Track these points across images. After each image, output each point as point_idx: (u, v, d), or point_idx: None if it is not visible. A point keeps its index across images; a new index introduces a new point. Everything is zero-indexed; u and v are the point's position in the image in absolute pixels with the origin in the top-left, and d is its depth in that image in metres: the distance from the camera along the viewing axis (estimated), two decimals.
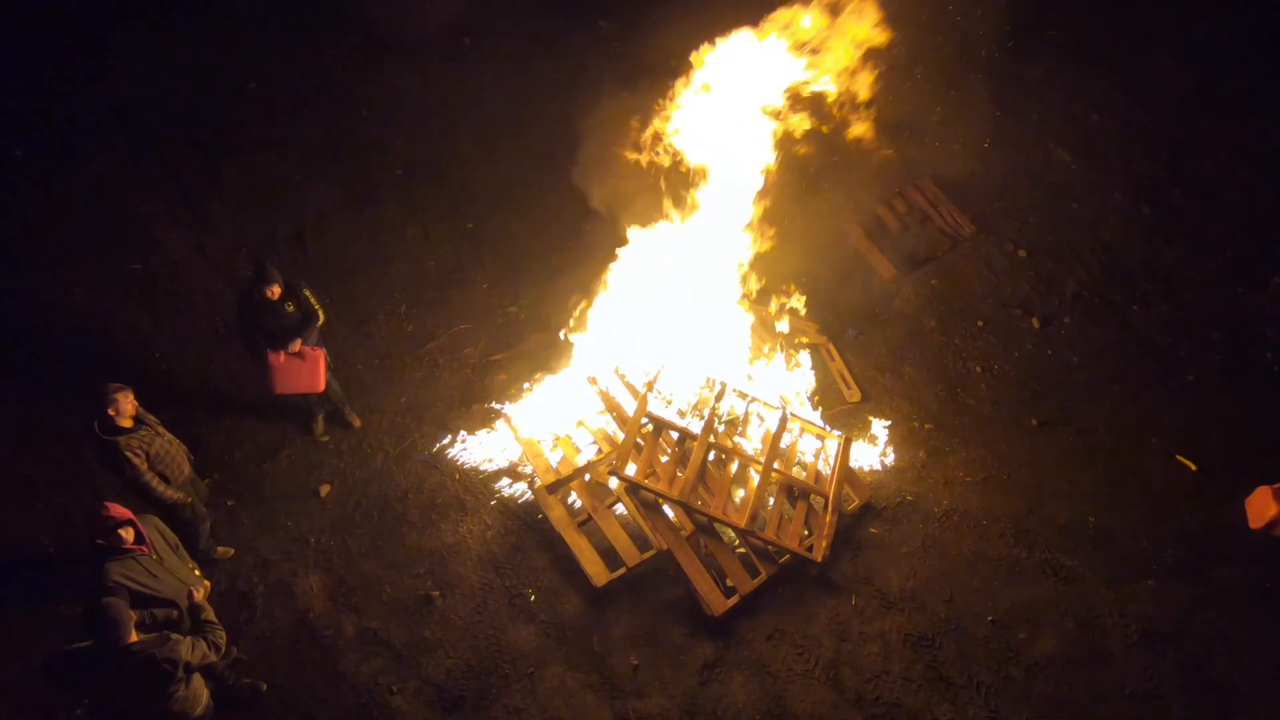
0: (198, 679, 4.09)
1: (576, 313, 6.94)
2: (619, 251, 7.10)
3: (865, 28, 5.82)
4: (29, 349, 6.35)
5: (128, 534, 4.01)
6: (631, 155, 6.66)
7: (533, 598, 5.28)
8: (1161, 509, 5.76)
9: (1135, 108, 8.79)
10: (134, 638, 3.73)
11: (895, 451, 6.31)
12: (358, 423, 6.37)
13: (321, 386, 5.88)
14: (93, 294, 6.80)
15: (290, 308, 5.66)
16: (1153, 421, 6.46)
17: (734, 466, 5.53)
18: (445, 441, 6.36)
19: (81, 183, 7.38)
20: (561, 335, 6.82)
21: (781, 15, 6.03)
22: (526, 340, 7.32)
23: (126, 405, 4.61)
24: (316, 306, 5.78)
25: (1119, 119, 8.75)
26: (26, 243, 6.93)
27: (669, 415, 5.79)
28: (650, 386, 5.67)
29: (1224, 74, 8.60)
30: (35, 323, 6.52)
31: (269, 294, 5.53)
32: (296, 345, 5.73)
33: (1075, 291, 7.54)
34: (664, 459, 5.51)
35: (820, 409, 6.62)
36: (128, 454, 4.58)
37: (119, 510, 4.05)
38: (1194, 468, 6.05)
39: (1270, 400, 6.60)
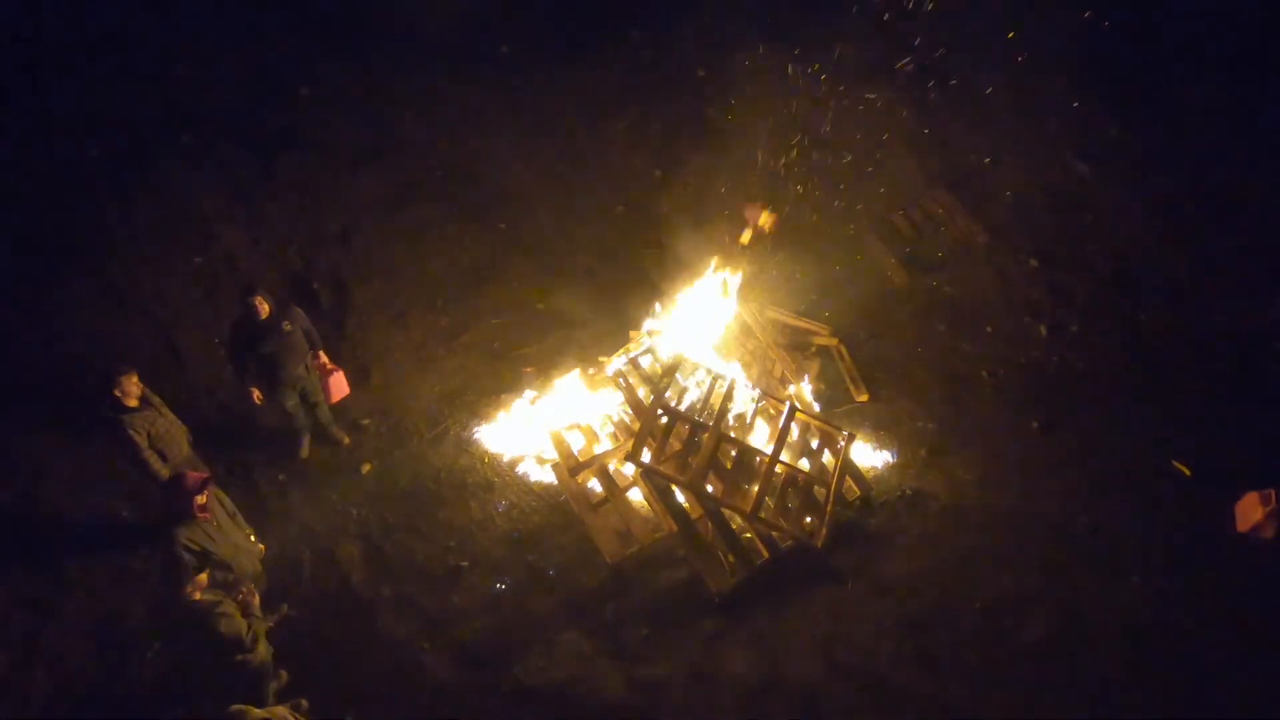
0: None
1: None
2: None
3: None
4: (105, 336, 6.97)
5: (200, 499, 4.52)
6: None
7: (552, 572, 5.74)
8: (1153, 511, 5.99)
9: (1154, 121, 8.95)
10: (196, 596, 4.25)
11: (898, 449, 6.64)
12: (347, 440, 6.55)
13: (348, 389, 6.31)
14: (160, 285, 7.41)
15: (287, 327, 5.77)
16: (1152, 428, 6.66)
17: (742, 457, 5.92)
18: (476, 427, 6.86)
19: (150, 182, 8.01)
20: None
21: None
22: (553, 335, 7.79)
23: (131, 386, 5.05)
24: (308, 320, 6.06)
25: (1137, 132, 8.92)
26: (101, 238, 7.56)
27: (682, 408, 6.19)
28: (666, 380, 6.08)
29: (1243, 89, 8.71)
30: (109, 312, 7.14)
31: (258, 307, 5.60)
32: (324, 358, 6.13)
33: (1085, 301, 7.76)
34: (677, 448, 5.92)
35: (829, 407, 6.97)
36: (130, 432, 5.02)
37: (195, 479, 4.57)
38: (1188, 473, 6.27)
39: (1272, 411, 6.76)
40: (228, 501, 4.99)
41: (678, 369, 6.21)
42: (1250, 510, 5.77)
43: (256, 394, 5.96)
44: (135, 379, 5.16)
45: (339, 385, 6.34)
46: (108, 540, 5.61)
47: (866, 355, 7.50)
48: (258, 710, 3.77)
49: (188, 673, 4.73)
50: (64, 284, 7.15)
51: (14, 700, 4.87)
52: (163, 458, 5.27)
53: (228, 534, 4.74)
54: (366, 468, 6.46)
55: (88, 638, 5.18)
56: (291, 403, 6.14)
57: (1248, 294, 7.63)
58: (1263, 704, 4.82)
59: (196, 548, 4.48)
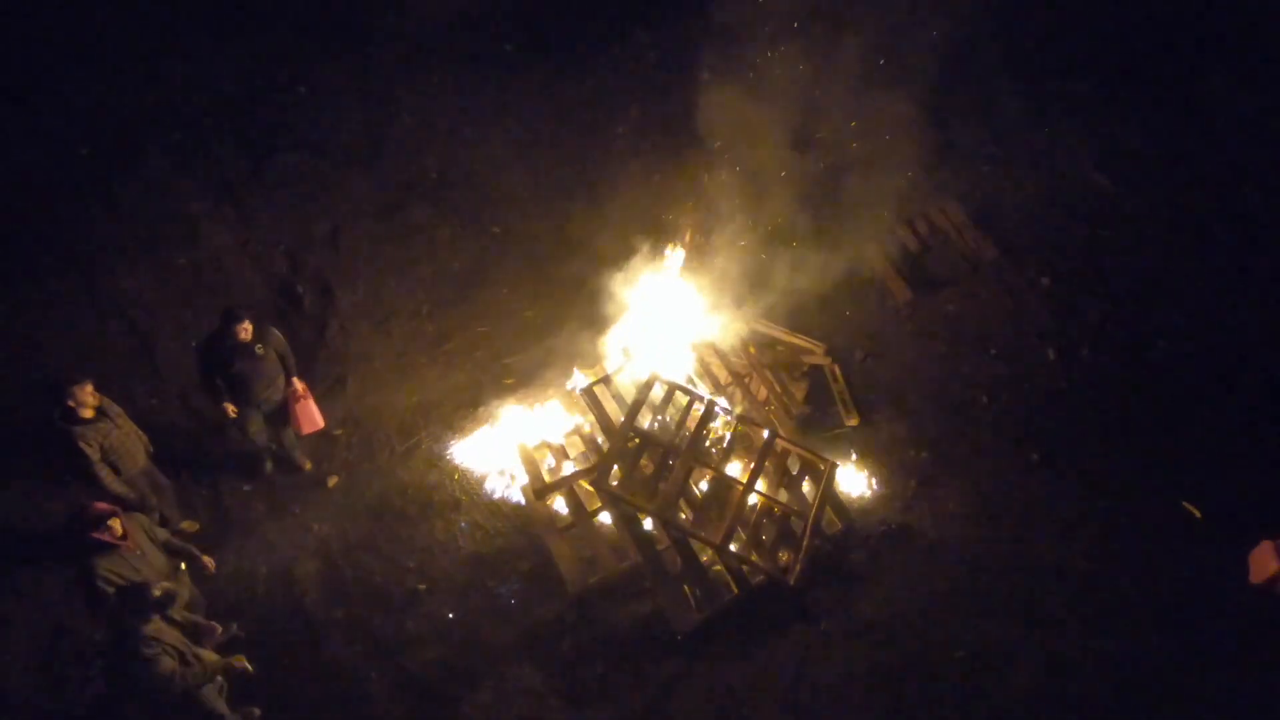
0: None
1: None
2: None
3: None
4: (81, 337, 6.91)
5: (115, 525, 4.34)
6: None
7: (512, 600, 5.52)
8: (1157, 556, 5.59)
9: (1183, 133, 8.44)
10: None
11: (887, 479, 6.29)
12: (308, 466, 6.31)
13: (323, 422, 6.04)
14: (142, 286, 7.33)
15: (260, 350, 5.56)
16: (1163, 466, 6.23)
17: (716, 485, 5.63)
18: (449, 441, 6.66)
19: (138, 180, 7.95)
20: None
21: None
22: (538, 346, 7.55)
23: (85, 396, 4.85)
24: (287, 345, 5.83)
25: (1165, 145, 8.41)
26: (87, 235, 7.51)
27: (656, 430, 5.93)
28: (639, 400, 5.82)
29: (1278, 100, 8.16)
30: (86, 313, 7.07)
31: (241, 334, 5.41)
32: (301, 387, 5.87)
33: (1099, 324, 7.31)
34: (648, 472, 5.66)
35: (816, 431, 6.63)
36: (81, 444, 4.84)
37: (103, 507, 4.37)
38: (1198, 515, 5.84)
39: None
40: (157, 530, 4.81)
41: (652, 388, 5.94)
42: (1266, 560, 5.29)
43: (230, 408, 5.73)
44: (90, 389, 5.00)
45: (308, 416, 6.01)
46: (62, 551, 5.50)
47: (861, 376, 7.14)
48: None
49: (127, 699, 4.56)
50: (42, 282, 7.10)
51: None
52: (115, 470, 5.13)
53: (153, 563, 4.56)
54: (333, 481, 6.30)
55: (32, 651, 5.08)
56: (255, 426, 5.91)
57: (1277, 321, 7.13)
58: None
59: (118, 579, 4.31)
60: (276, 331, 5.75)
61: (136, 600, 4.07)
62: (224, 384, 5.62)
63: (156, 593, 4.09)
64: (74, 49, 8.45)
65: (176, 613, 4.44)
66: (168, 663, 4.07)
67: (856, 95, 8.29)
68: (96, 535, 4.27)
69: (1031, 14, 9.03)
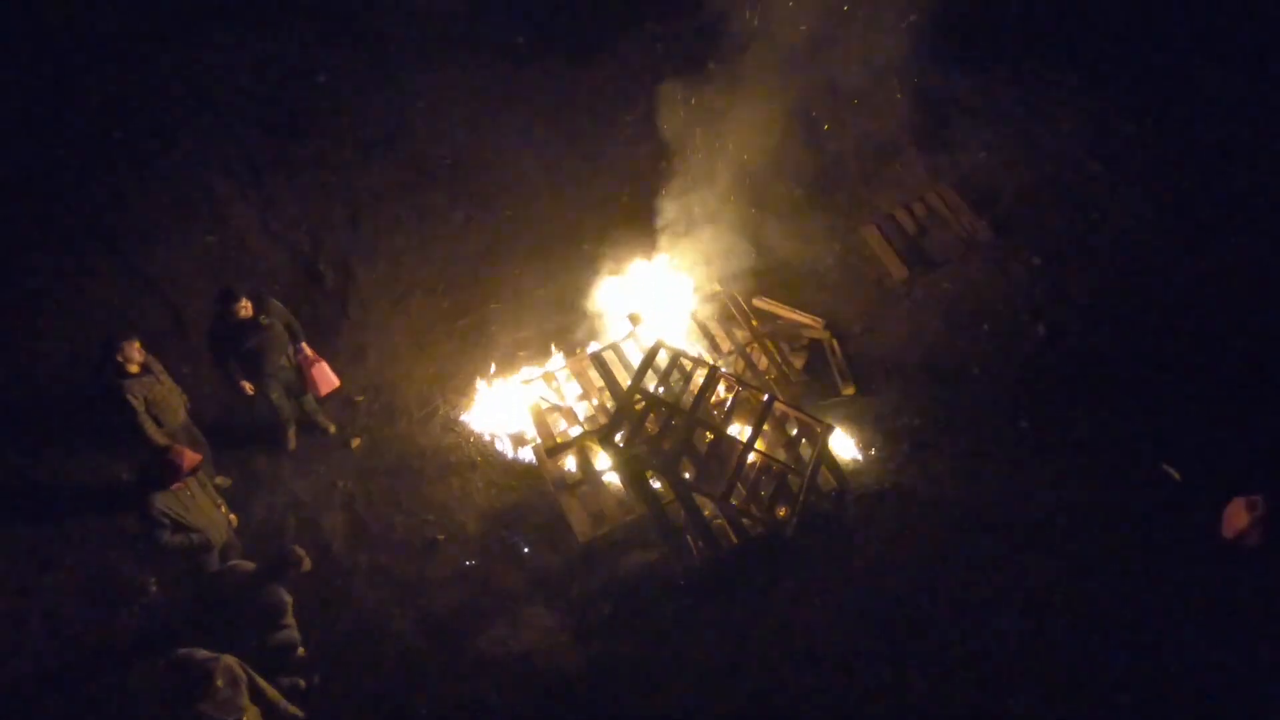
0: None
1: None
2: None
3: None
4: (116, 307, 7.30)
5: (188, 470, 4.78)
6: None
7: (525, 549, 5.86)
8: (1138, 514, 5.88)
9: (1172, 120, 8.70)
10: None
11: (880, 443, 6.60)
12: (333, 429, 6.60)
13: (338, 380, 6.36)
14: (171, 262, 7.72)
15: (264, 320, 5.78)
16: (1147, 431, 6.51)
17: (717, 444, 5.96)
18: (465, 408, 7.01)
19: (168, 162, 8.34)
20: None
21: None
22: (549, 320, 7.90)
23: (133, 352, 5.27)
24: (289, 313, 6.06)
25: (1156, 130, 8.68)
26: (120, 214, 7.90)
27: (661, 393, 6.25)
28: (644, 366, 6.15)
29: (1266, 90, 8.43)
30: (121, 285, 7.46)
31: (241, 311, 5.61)
32: (307, 350, 6.15)
33: (1088, 302, 7.59)
34: (652, 432, 5.98)
35: (815, 400, 6.95)
36: (129, 397, 5.25)
37: (190, 461, 4.79)
38: (1178, 476, 6.13)
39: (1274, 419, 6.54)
40: (202, 474, 5.19)
41: (657, 354, 6.27)
42: (1236, 516, 5.62)
43: (248, 386, 6.01)
44: (138, 346, 5.38)
45: (324, 377, 6.34)
46: (105, 501, 5.88)
47: (858, 349, 7.45)
48: (204, 651, 3.97)
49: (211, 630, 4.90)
50: (79, 258, 7.50)
51: (8, 643, 5.16)
52: (158, 423, 5.51)
53: (200, 504, 4.95)
54: (356, 442, 6.66)
55: (81, 590, 5.46)
56: (275, 395, 6.20)
57: (1262, 298, 7.39)
58: (1234, 706, 4.75)
59: (172, 514, 4.70)
60: (275, 301, 6.00)
61: (284, 563, 4.65)
62: (238, 363, 5.88)
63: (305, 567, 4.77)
64: (108, 37, 8.85)
65: None
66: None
67: (856, 83, 8.64)
68: (175, 485, 4.67)
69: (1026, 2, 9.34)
